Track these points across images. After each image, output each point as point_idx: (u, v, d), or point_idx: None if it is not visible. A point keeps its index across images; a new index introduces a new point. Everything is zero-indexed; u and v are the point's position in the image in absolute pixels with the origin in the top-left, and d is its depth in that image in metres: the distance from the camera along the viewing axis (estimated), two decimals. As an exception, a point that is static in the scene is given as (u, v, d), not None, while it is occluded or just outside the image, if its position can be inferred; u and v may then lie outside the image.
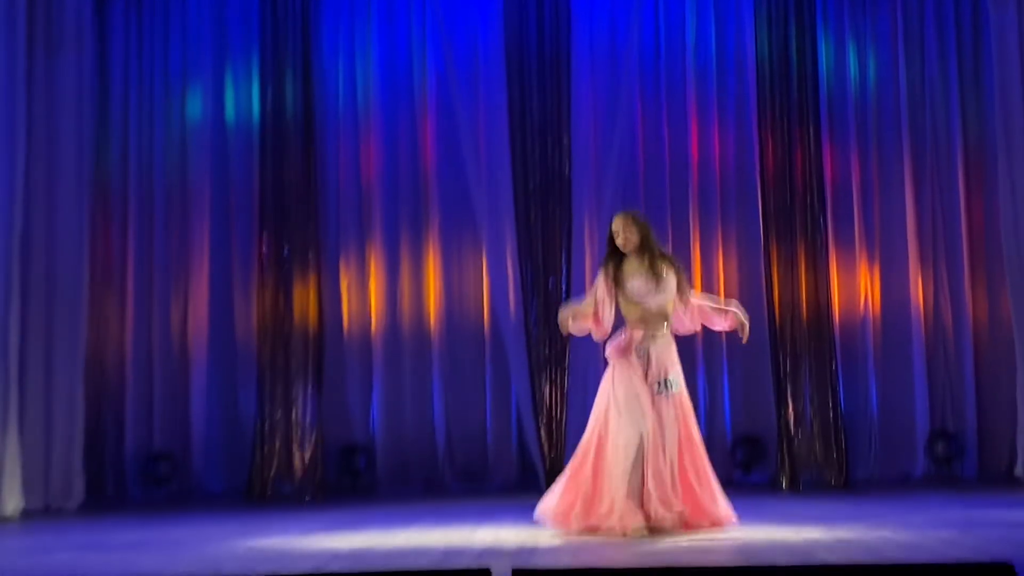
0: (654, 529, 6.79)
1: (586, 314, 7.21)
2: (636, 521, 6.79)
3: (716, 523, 7.01)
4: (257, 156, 10.77)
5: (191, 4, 10.99)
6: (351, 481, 10.65)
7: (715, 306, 7.39)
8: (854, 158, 10.82)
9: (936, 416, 10.59)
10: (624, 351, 7.04)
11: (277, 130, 10.67)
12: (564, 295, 10.54)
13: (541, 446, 10.35)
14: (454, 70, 10.68)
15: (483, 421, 10.73)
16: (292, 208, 10.60)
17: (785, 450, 10.19)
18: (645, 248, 7.13)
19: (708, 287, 10.75)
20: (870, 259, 10.79)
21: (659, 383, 6.98)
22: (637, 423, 6.88)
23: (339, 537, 7.26)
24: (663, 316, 7.11)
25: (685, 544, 6.45)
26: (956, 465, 10.48)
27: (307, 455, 10.36)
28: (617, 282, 7.15)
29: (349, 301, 10.88)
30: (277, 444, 10.37)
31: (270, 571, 5.85)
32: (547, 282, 10.62)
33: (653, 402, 6.94)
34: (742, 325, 7.29)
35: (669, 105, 10.91)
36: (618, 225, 7.18)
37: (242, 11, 10.96)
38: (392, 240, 10.91)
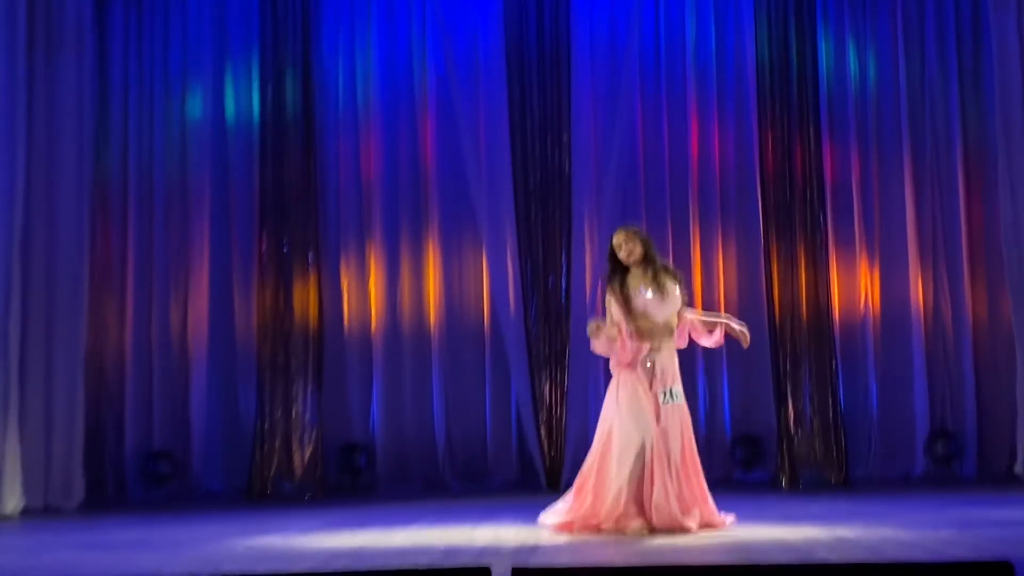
0: (654, 531, 6.80)
1: (612, 336, 7.18)
2: (636, 522, 6.81)
3: (711, 527, 7.04)
4: (257, 155, 10.78)
5: (191, 4, 11.00)
6: (351, 480, 10.66)
7: (706, 320, 7.39)
8: (854, 158, 10.82)
9: (936, 415, 10.60)
10: (630, 363, 7.06)
11: (277, 129, 10.68)
12: (564, 293, 10.55)
13: (541, 444, 10.36)
14: (454, 70, 10.69)
15: (483, 420, 10.73)
16: (292, 207, 10.61)
17: (785, 449, 10.20)
18: (648, 261, 7.14)
19: (708, 286, 10.76)
20: (870, 258, 10.79)
21: (664, 393, 7.01)
22: (641, 429, 6.90)
23: (339, 536, 7.26)
24: (668, 329, 7.14)
25: (685, 543, 6.45)
26: (956, 464, 10.49)
27: (307, 454, 10.37)
28: (624, 297, 7.14)
29: (349, 300, 10.89)
30: (277, 443, 10.38)
31: (270, 570, 5.85)
32: (547, 280, 10.63)
33: (658, 411, 6.97)
34: (741, 334, 7.30)
35: (669, 104, 10.92)
36: (620, 239, 7.18)
37: (242, 11, 10.96)
38: (392, 239, 10.92)
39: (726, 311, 10.68)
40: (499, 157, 10.61)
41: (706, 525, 6.98)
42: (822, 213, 10.51)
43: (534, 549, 6.42)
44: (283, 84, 10.71)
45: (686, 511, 6.88)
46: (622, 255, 7.15)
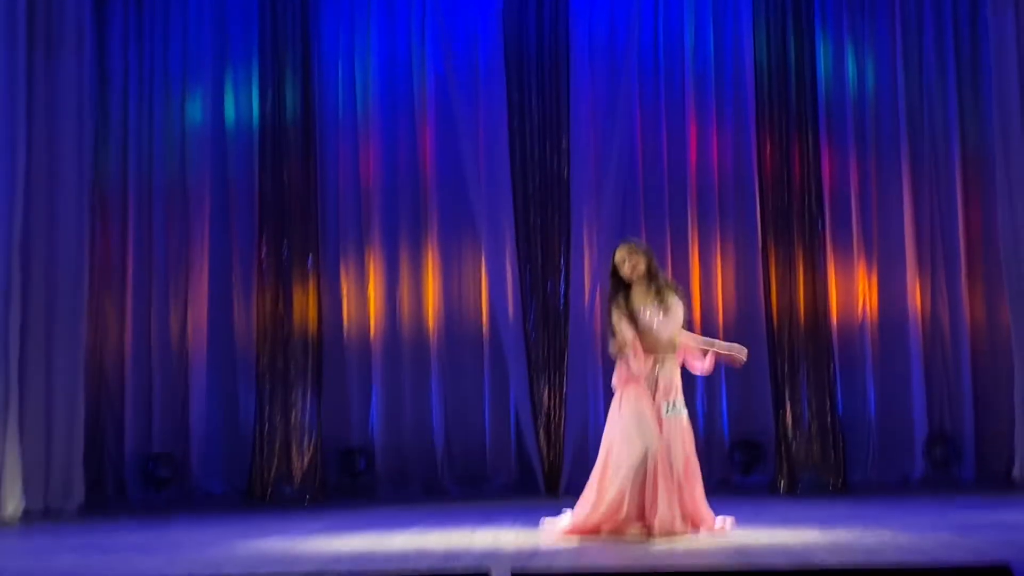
0: (652, 536, 6.81)
1: (626, 355, 7.16)
2: (635, 527, 6.83)
3: (709, 531, 7.06)
4: (257, 158, 10.78)
5: (191, 5, 11.00)
6: (351, 483, 10.66)
7: (699, 346, 7.38)
8: (852, 162, 10.83)
9: (934, 419, 10.61)
10: (633, 378, 7.07)
11: (277, 132, 10.68)
12: (562, 298, 10.56)
13: (540, 448, 10.36)
14: (454, 73, 10.70)
15: (482, 424, 10.73)
16: (292, 211, 10.61)
17: (783, 453, 10.21)
18: (651, 276, 7.14)
19: (706, 291, 10.77)
20: (868, 263, 10.80)
21: (667, 404, 7.03)
22: (644, 437, 6.92)
23: (339, 539, 7.27)
24: (672, 345, 7.15)
25: (683, 547, 6.47)
26: (954, 468, 10.50)
27: (307, 457, 10.37)
28: (629, 312, 7.14)
29: (348, 304, 10.89)
30: (277, 446, 10.38)
31: (270, 573, 5.86)
32: (546, 285, 10.63)
33: (661, 423, 6.99)
34: (730, 357, 7.29)
35: (668, 108, 10.93)
36: (623, 255, 7.17)
37: (242, 13, 10.96)
38: (391, 243, 10.92)
39: (724, 316, 10.73)
40: (498, 162, 10.61)
41: (705, 530, 7.00)
42: (820, 218, 10.51)
43: (533, 553, 6.43)
44: (283, 88, 10.71)
45: (686, 517, 6.91)
46: (625, 271, 7.14)
